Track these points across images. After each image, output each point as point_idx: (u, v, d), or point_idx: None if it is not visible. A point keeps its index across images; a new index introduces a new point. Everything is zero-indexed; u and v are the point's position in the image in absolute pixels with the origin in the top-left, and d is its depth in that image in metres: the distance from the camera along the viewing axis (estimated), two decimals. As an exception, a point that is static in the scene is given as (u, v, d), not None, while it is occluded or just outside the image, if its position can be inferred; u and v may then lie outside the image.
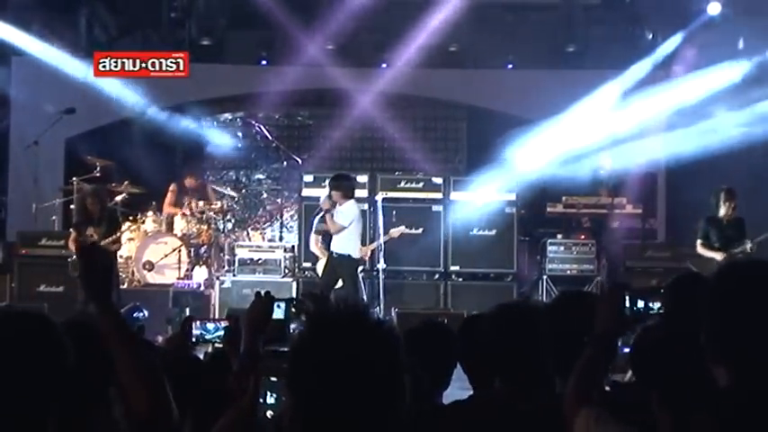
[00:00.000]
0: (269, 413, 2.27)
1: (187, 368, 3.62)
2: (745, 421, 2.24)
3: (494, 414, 3.24)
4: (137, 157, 13.86)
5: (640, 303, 3.01)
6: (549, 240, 13.10)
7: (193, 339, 3.85)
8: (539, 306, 4.50)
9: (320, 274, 11.69)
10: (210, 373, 3.65)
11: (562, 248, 13.00)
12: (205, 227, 12.94)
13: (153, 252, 12.57)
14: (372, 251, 12.01)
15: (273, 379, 2.27)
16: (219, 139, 15.44)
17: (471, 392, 3.64)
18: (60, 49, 13.85)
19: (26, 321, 2.45)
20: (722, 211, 10.73)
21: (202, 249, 12.95)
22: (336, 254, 11.17)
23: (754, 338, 2.30)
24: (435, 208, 12.94)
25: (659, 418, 2.78)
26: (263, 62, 15.08)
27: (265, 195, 14.42)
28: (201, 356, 4.06)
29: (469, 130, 16.09)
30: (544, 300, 11.85)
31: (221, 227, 13.16)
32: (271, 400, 2.27)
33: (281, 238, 13.79)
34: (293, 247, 12.96)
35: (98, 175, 12.68)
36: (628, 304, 2.99)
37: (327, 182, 11.60)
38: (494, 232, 12.91)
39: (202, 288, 12.29)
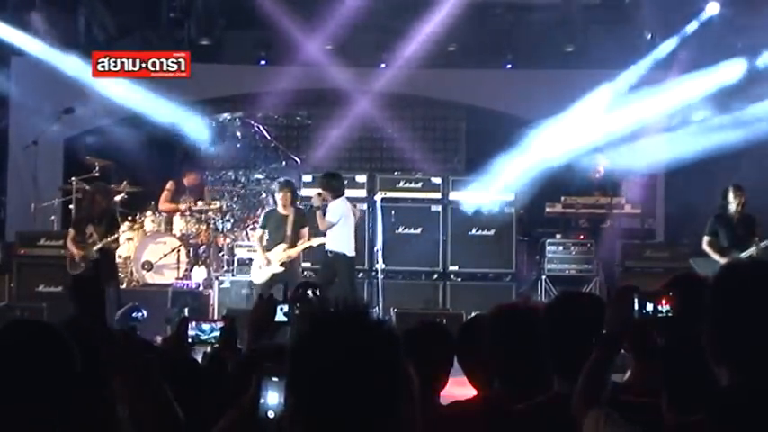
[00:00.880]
0: (270, 413, 2.27)
1: (185, 371, 3.61)
2: (746, 421, 2.24)
3: (493, 414, 3.25)
4: (135, 157, 13.86)
5: (649, 306, 3.01)
6: (548, 240, 13.10)
7: (189, 340, 3.84)
8: (537, 306, 4.50)
9: (253, 278, 11.36)
10: (208, 375, 3.65)
11: (561, 248, 13.00)
12: (204, 227, 12.96)
13: (152, 252, 12.58)
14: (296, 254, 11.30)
15: (275, 379, 2.26)
16: (218, 139, 15.42)
17: (470, 393, 3.65)
18: (59, 50, 13.83)
19: (37, 331, 2.58)
20: (732, 207, 10.72)
21: (201, 249, 12.96)
22: (331, 252, 11.17)
23: (755, 339, 2.31)
24: (434, 208, 12.95)
25: (666, 419, 2.78)
26: (262, 62, 15.08)
27: (264, 195, 14.40)
28: (200, 357, 4.06)
29: (468, 130, 16.08)
30: (543, 300, 11.84)
31: (220, 227, 13.15)
32: (272, 400, 2.27)
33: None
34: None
35: (97, 174, 12.70)
36: (636, 306, 3.00)
37: (318, 180, 11.66)
38: (492, 232, 12.91)
39: (201, 288, 12.30)
